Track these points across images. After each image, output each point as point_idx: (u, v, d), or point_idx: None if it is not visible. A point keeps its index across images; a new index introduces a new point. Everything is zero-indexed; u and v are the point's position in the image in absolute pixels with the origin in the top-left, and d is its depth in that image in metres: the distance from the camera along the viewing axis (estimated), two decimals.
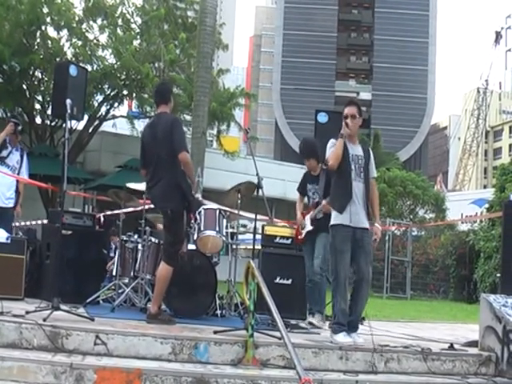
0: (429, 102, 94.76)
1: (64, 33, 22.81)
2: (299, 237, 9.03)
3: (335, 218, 7.19)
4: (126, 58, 21.98)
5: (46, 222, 12.03)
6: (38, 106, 24.08)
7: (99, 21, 23.41)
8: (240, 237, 9.53)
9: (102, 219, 13.83)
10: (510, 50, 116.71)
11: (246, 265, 6.62)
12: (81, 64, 15.00)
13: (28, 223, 13.47)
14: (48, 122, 23.90)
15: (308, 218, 8.88)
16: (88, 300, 8.14)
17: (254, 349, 6.31)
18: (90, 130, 25.10)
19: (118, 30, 23.65)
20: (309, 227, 8.86)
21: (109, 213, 13.89)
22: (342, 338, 6.89)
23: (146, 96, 24.47)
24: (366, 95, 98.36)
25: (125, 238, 9.20)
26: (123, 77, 23.74)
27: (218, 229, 8.46)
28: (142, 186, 8.99)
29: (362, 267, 7.17)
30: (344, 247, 7.08)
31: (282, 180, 27.55)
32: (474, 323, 9.35)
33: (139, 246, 9.00)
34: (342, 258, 7.07)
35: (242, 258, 10.18)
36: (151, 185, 7.49)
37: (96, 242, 9.08)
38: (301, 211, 9.06)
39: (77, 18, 22.69)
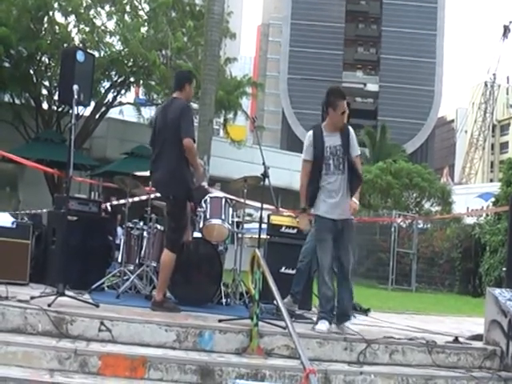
0: (436, 95, 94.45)
1: (71, 18, 22.73)
2: None
3: (316, 209, 7.31)
4: (134, 44, 21.92)
5: (51, 208, 12.01)
6: (44, 92, 24.06)
7: (107, 7, 23.35)
8: (246, 226, 9.51)
9: (110, 208, 13.83)
10: None
11: (252, 254, 6.61)
12: (88, 50, 14.92)
13: (34, 211, 13.46)
14: (55, 108, 23.89)
15: None
16: (93, 286, 8.14)
17: (258, 338, 6.31)
18: (97, 117, 25.11)
19: (126, 17, 23.58)
20: None
21: (115, 202, 13.89)
22: (319, 325, 6.94)
23: (152, 83, 24.47)
24: (373, 87, 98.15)
25: (130, 225, 9.19)
26: (130, 64, 23.71)
27: (223, 217, 8.44)
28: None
29: (341, 257, 7.26)
30: (325, 236, 7.21)
31: (288, 170, 27.50)
32: (479, 317, 9.33)
33: (145, 233, 8.99)
34: (324, 247, 7.19)
35: (248, 247, 10.17)
36: (154, 168, 7.49)
37: (101, 228, 9.07)
38: None
39: (84, 4, 22.61)
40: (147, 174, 8.16)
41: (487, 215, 23.21)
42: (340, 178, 7.29)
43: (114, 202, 13.99)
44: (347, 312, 7.37)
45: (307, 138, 7.49)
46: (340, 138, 7.36)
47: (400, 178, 28.24)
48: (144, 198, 9.79)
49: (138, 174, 9.52)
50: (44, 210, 13.73)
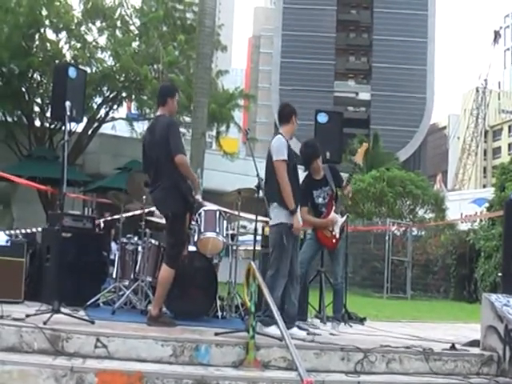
0: (428, 102, 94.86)
1: (63, 35, 22.84)
2: (334, 240, 8.77)
3: (285, 217, 7.43)
4: (125, 59, 22.00)
5: (45, 226, 11.98)
6: (37, 109, 24.10)
7: (98, 23, 23.42)
8: (240, 238, 9.51)
9: (102, 225, 13.82)
10: (508, 50, 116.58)
11: (247, 266, 6.61)
12: (80, 66, 14.96)
13: (29, 231, 13.42)
14: (47, 125, 23.90)
15: (333, 213, 8.81)
16: (88, 303, 8.11)
17: (255, 350, 6.30)
18: (90, 133, 25.11)
19: (117, 32, 23.70)
20: (342, 219, 8.83)
21: (109, 218, 13.87)
22: (274, 330, 6.88)
23: (145, 98, 24.50)
24: (365, 95, 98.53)
25: (125, 240, 9.17)
26: (122, 79, 23.75)
27: (218, 230, 8.43)
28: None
29: (295, 263, 7.59)
30: (290, 245, 7.42)
31: None
32: (475, 323, 9.33)
33: (139, 248, 8.97)
34: (287, 255, 7.40)
35: (243, 259, 10.17)
36: (152, 188, 7.49)
37: (96, 244, 9.05)
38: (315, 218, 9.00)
39: (76, 21, 22.70)
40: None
41: (481, 221, 23.28)
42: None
43: (108, 218, 13.97)
44: (292, 318, 7.54)
45: (279, 139, 7.64)
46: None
47: (393, 186, 28.26)
48: (138, 212, 9.78)
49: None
50: (39, 229, 13.72)
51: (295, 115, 7.83)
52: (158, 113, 7.71)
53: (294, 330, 7.32)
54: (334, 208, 8.75)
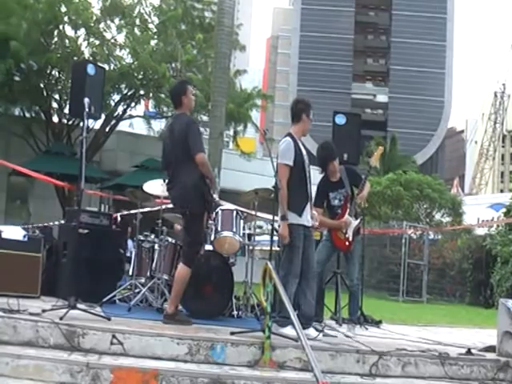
0: (446, 106, 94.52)
1: (81, 32, 22.85)
2: (347, 242, 8.79)
3: (294, 218, 7.39)
4: (144, 57, 22.01)
5: (62, 221, 12.03)
6: (55, 105, 24.12)
7: (117, 20, 23.42)
8: (256, 238, 9.51)
9: (119, 219, 13.83)
10: None
11: (264, 266, 6.59)
12: (98, 63, 14.98)
13: (46, 224, 13.48)
14: (65, 121, 23.96)
15: (347, 215, 8.79)
16: (104, 299, 8.13)
17: (270, 351, 6.28)
18: (107, 130, 25.14)
19: (136, 30, 23.70)
20: (355, 221, 8.81)
21: (126, 212, 13.90)
22: (289, 330, 6.84)
23: (162, 96, 24.49)
24: (382, 98, 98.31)
25: (141, 238, 9.18)
26: (140, 76, 23.76)
27: (234, 229, 8.43)
28: (157, 190, 9.02)
29: (312, 261, 7.59)
30: (300, 244, 7.38)
31: None
32: (491, 328, 9.29)
33: (156, 246, 8.98)
34: (298, 254, 7.36)
35: (259, 259, 10.16)
36: (171, 186, 7.49)
37: (113, 241, 9.08)
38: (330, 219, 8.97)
39: (94, 18, 22.72)
40: (156, 190, 8.18)
41: (498, 226, 23.11)
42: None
43: (125, 212, 13.99)
44: (309, 318, 7.51)
45: (286, 142, 7.58)
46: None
47: (410, 189, 28.16)
48: (154, 209, 9.79)
49: (148, 190, 9.49)
50: (56, 223, 13.77)
51: (307, 113, 7.70)
52: (177, 112, 7.71)
53: (310, 331, 7.30)
54: (348, 210, 8.73)
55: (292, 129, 7.76)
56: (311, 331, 7.33)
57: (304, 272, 7.46)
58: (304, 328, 6.87)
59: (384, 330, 9.30)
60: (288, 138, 7.57)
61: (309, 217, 7.53)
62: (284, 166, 7.42)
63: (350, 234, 8.73)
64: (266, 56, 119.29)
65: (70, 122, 23.68)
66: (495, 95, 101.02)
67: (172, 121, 7.93)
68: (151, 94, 25.35)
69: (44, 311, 6.32)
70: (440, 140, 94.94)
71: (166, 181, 7.66)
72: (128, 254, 10.82)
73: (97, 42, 22.87)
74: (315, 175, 8.07)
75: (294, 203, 7.39)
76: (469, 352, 7.21)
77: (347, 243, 8.76)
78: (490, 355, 7.31)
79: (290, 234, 7.31)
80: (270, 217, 8.34)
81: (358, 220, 8.90)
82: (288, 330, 6.83)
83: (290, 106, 7.94)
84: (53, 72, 23.00)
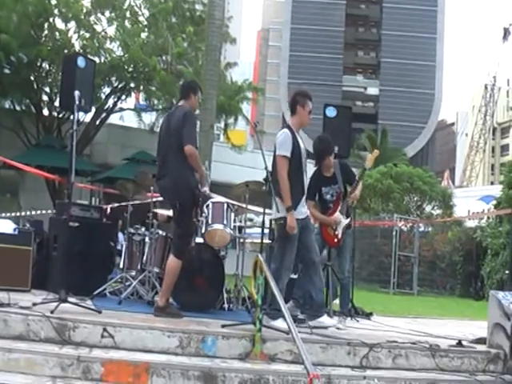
0: (436, 98, 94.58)
1: (72, 25, 22.74)
2: (335, 239, 8.88)
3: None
4: (134, 50, 21.94)
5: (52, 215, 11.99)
6: (45, 98, 24.05)
7: (107, 13, 23.33)
8: (247, 230, 9.50)
9: (109, 211, 13.80)
10: None
11: (255, 259, 6.59)
12: (89, 56, 14.93)
13: (34, 213, 13.44)
14: (55, 114, 23.87)
15: (338, 213, 8.82)
16: (95, 292, 8.12)
17: (261, 343, 6.29)
18: (97, 123, 25.09)
19: (126, 23, 23.60)
20: (345, 220, 8.84)
21: (116, 205, 13.88)
22: (280, 323, 6.84)
23: (153, 89, 24.46)
24: (373, 90, 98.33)
25: (132, 231, 9.17)
26: (131, 69, 23.69)
27: (225, 222, 8.41)
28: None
29: (313, 248, 7.55)
30: (295, 238, 7.32)
31: None
32: (481, 320, 9.32)
33: (146, 239, 8.97)
34: (291, 248, 7.33)
35: (249, 252, 10.16)
36: (160, 176, 7.48)
37: (103, 234, 9.05)
38: (320, 213, 8.99)
39: (85, 10, 22.61)
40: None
41: (488, 218, 23.20)
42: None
43: (116, 204, 13.96)
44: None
45: (284, 133, 7.52)
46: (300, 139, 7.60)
47: (401, 182, 28.17)
48: (144, 201, 9.78)
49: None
50: (43, 212, 13.71)
51: (302, 105, 7.63)
52: (180, 103, 7.72)
53: (324, 318, 7.32)
54: (339, 207, 8.77)
55: (290, 121, 7.76)
56: (326, 319, 7.33)
57: (308, 261, 7.49)
58: (318, 316, 6.94)
59: (375, 322, 9.31)
60: (285, 130, 7.56)
61: (304, 209, 7.54)
62: (282, 157, 7.37)
63: (339, 232, 8.79)
64: (256, 49, 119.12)
65: (61, 115, 23.59)
66: (486, 88, 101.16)
67: (171, 110, 7.94)
68: (142, 87, 25.28)
69: (35, 305, 6.31)
70: (431, 132, 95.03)
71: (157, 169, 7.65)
72: (119, 247, 10.79)
73: (87, 35, 22.77)
74: (309, 168, 8.06)
75: (292, 198, 7.37)
76: (459, 344, 7.23)
77: (336, 240, 8.84)
78: (481, 347, 7.33)
79: (285, 227, 7.30)
80: (260, 209, 8.34)
81: (348, 219, 8.94)
82: (279, 323, 6.83)
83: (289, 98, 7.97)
84: (43, 65, 22.90)
